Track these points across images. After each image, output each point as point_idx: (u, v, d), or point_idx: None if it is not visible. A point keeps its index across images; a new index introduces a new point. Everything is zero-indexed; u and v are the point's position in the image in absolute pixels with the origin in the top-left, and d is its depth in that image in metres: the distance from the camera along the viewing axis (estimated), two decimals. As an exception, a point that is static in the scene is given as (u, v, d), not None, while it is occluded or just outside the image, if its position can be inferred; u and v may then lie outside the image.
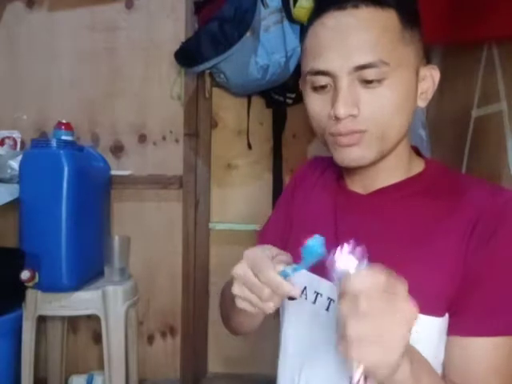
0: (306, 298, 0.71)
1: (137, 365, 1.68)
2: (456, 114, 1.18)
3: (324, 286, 0.69)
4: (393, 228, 0.65)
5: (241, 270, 0.57)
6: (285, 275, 0.55)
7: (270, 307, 0.57)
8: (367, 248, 0.62)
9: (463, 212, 0.61)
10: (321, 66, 0.61)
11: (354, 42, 0.59)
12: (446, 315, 0.60)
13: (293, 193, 0.84)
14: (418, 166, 0.69)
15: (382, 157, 0.64)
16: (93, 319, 1.57)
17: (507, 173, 0.93)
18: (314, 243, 0.52)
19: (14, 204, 1.43)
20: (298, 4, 1.43)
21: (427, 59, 0.66)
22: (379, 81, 0.59)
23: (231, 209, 1.83)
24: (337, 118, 0.60)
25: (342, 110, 0.59)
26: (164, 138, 1.80)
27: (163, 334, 1.85)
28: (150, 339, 1.85)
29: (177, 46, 1.51)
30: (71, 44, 1.78)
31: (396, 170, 0.67)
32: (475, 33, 1.00)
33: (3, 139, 1.70)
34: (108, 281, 1.55)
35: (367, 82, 0.59)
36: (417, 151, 0.72)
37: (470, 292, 0.58)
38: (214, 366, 1.86)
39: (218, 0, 1.45)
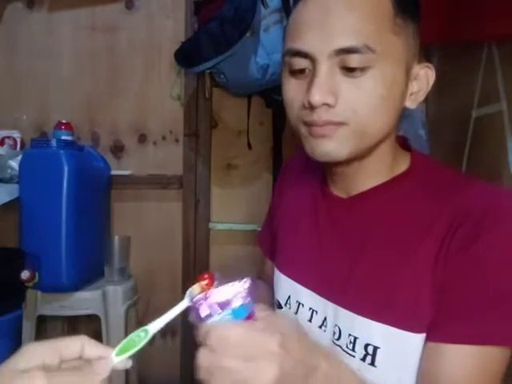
0: (289, 308, 0.69)
1: (137, 365, 1.68)
2: (456, 114, 1.17)
3: (306, 296, 0.66)
4: (373, 236, 0.60)
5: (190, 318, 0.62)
6: None
7: None
8: (348, 257, 0.61)
9: (447, 215, 0.55)
10: (299, 46, 0.55)
11: (337, 23, 0.53)
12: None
13: (279, 193, 0.81)
14: (404, 163, 0.63)
15: (361, 156, 0.59)
16: (93, 319, 1.57)
17: (507, 173, 0.93)
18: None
19: (14, 204, 1.43)
20: (297, 4, 1.43)
21: (426, 58, 0.62)
22: (362, 69, 0.53)
23: (231, 209, 1.83)
24: (311, 106, 0.54)
25: (316, 97, 0.53)
26: (164, 138, 1.80)
27: (163, 334, 1.85)
28: (150, 339, 1.85)
29: (177, 46, 1.51)
30: (71, 44, 1.77)
31: (379, 171, 0.62)
32: (475, 33, 1.00)
33: (3, 139, 1.70)
34: (108, 281, 1.55)
35: (349, 70, 0.53)
36: (403, 143, 0.66)
37: (447, 297, 0.53)
38: (214, 366, 1.86)
39: (217, 0, 1.45)
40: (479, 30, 0.98)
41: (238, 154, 1.81)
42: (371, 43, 0.52)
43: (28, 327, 1.47)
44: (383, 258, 0.58)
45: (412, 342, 0.55)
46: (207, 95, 1.74)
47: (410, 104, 0.59)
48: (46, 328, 1.70)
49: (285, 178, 0.82)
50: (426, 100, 0.59)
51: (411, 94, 0.59)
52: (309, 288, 0.66)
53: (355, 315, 0.58)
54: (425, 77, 0.59)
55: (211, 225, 1.82)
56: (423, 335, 0.54)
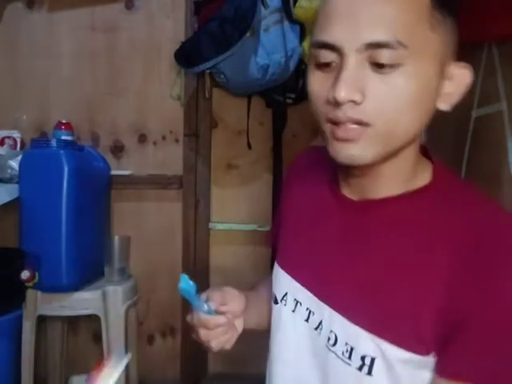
0: (285, 305, 0.67)
1: (137, 365, 1.68)
2: (456, 113, 1.17)
3: (303, 295, 0.64)
4: (381, 246, 0.57)
5: (188, 317, 0.70)
6: (209, 312, 0.66)
7: (212, 347, 0.69)
8: (351, 263, 0.59)
9: (462, 242, 0.52)
10: (326, 37, 0.51)
11: (368, 14, 0.49)
12: (430, 356, 0.53)
13: (286, 188, 0.78)
14: (426, 174, 0.59)
15: (384, 159, 0.54)
16: (93, 319, 1.57)
17: (507, 173, 0.93)
18: (183, 285, 0.62)
19: (14, 204, 1.43)
20: (297, 4, 1.43)
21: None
22: (393, 66, 0.49)
23: (231, 209, 1.83)
24: (336, 103, 0.50)
25: (342, 93, 0.49)
26: (164, 138, 1.80)
27: (163, 334, 1.85)
28: (150, 339, 1.85)
29: (177, 46, 1.51)
30: (71, 44, 1.77)
31: (397, 177, 0.58)
32: (475, 33, 1.00)
33: (3, 139, 1.70)
34: (108, 281, 1.55)
35: (378, 66, 0.49)
36: (423, 151, 0.62)
37: (457, 331, 0.50)
38: (214, 366, 1.86)
39: (217, 0, 1.45)
40: (479, 30, 0.98)
41: (237, 154, 1.81)
42: (404, 38, 0.48)
43: (28, 327, 1.47)
44: (387, 272, 0.56)
45: (410, 360, 0.53)
46: (207, 95, 1.74)
47: (443, 105, 0.55)
48: (45, 328, 1.70)
49: (291, 175, 0.79)
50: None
51: (445, 95, 0.54)
52: (306, 288, 0.64)
53: (353, 325, 0.56)
54: (461, 77, 0.54)
55: (211, 225, 1.82)
56: (423, 357, 0.53)
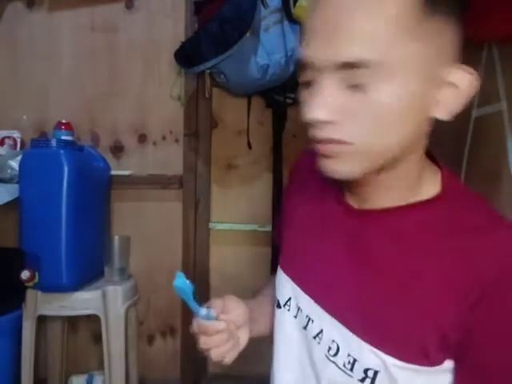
0: (288, 310, 0.66)
1: (137, 365, 1.68)
2: (456, 113, 1.17)
3: (304, 302, 0.63)
4: (386, 258, 0.55)
5: (190, 327, 0.67)
6: (208, 318, 0.64)
7: (211, 356, 0.65)
8: (356, 274, 0.57)
9: (469, 272, 0.49)
10: (302, 55, 0.49)
11: (342, 30, 0.45)
12: (434, 367, 0.52)
13: (289, 189, 0.77)
14: (433, 185, 0.56)
15: (378, 171, 0.53)
16: (93, 319, 1.57)
17: (507, 173, 0.93)
18: (178, 283, 0.60)
19: (14, 204, 1.43)
20: (297, 3, 1.43)
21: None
22: (370, 84, 0.46)
23: (231, 209, 1.83)
24: (312, 124, 0.50)
25: (314, 115, 0.48)
26: (164, 138, 1.80)
27: (163, 334, 1.85)
28: (150, 339, 1.85)
29: (177, 46, 1.51)
30: (71, 44, 1.78)
31: (399, 188, 0.56)
32: (475, 33, 1.00)
33: (3, 139, 1.70)
34: (108, 281, 1.55)
35: (354, 85, 0.47)
36: (432, 158, 0.59)
37: (462, 343, 0.50)
38: (214, 366, 1.85)
39: (217, 0, 1.45)
40: (479, 30, 0.98)
41: (237, 154, 1.81)
42: (381, 55, 0.45)
43: (28, 327, 1.47)
44: (391, 285, 0.54)
45: (413, 373, 0.53)
46: (207, 95, 1.74)
47: (441, 115, 0.51)
48: (45, 328, 1.70)
49: (295, 175, 0.77)
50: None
51: (441, 104, 0.50)
52: (308, 295, 0.63)
53: (356, 338, 0.55)
54: (461, 83, 0.50)
55: (211, 225, 1.82)
56: (427, 368, 0.53)
